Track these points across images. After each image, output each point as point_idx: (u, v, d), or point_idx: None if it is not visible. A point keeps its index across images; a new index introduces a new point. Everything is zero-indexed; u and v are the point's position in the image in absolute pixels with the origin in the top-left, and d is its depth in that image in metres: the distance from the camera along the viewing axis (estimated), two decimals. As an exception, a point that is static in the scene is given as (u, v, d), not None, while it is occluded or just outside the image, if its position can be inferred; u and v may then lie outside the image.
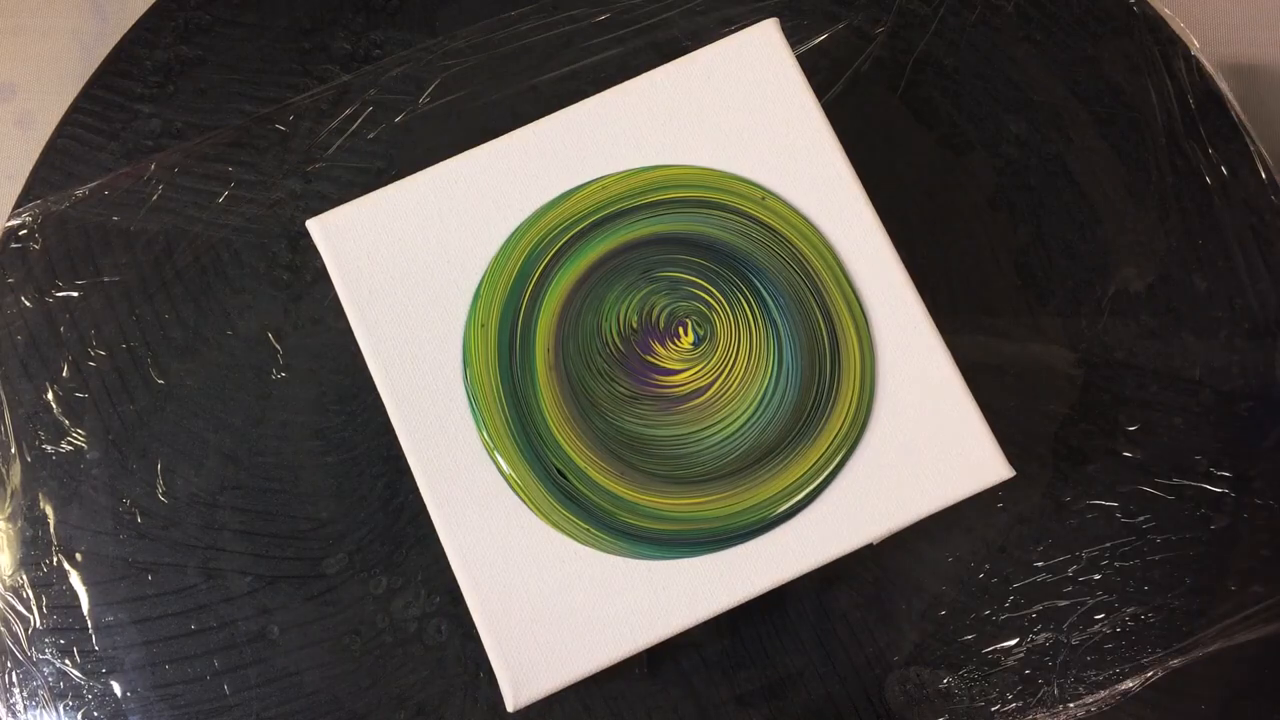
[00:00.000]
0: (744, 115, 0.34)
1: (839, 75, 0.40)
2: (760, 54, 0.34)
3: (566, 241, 0.34)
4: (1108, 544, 0.37)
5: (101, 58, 0.41)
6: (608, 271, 0.34)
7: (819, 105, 0.34)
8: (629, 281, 0.34)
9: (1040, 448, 0.38)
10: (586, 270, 0.34)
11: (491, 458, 0.32)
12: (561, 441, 0.33)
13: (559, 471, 0.32)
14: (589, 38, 0.41)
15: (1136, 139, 0.40)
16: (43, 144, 0.41)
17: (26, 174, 0.40)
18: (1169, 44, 0.40)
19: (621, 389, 0.33)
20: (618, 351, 0.33)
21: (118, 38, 0.42)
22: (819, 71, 0.40)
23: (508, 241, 0.34)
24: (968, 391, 0.32)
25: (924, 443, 0.32)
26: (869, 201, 0.33)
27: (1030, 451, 0.37)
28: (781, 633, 0.36)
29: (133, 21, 0.42)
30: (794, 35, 0.40)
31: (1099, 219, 0.39)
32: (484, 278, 0.33)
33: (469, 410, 0.33)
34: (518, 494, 0.32)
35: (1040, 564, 0.36)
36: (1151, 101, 0.40)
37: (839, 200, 0.34)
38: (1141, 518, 0.37)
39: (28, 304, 0.39)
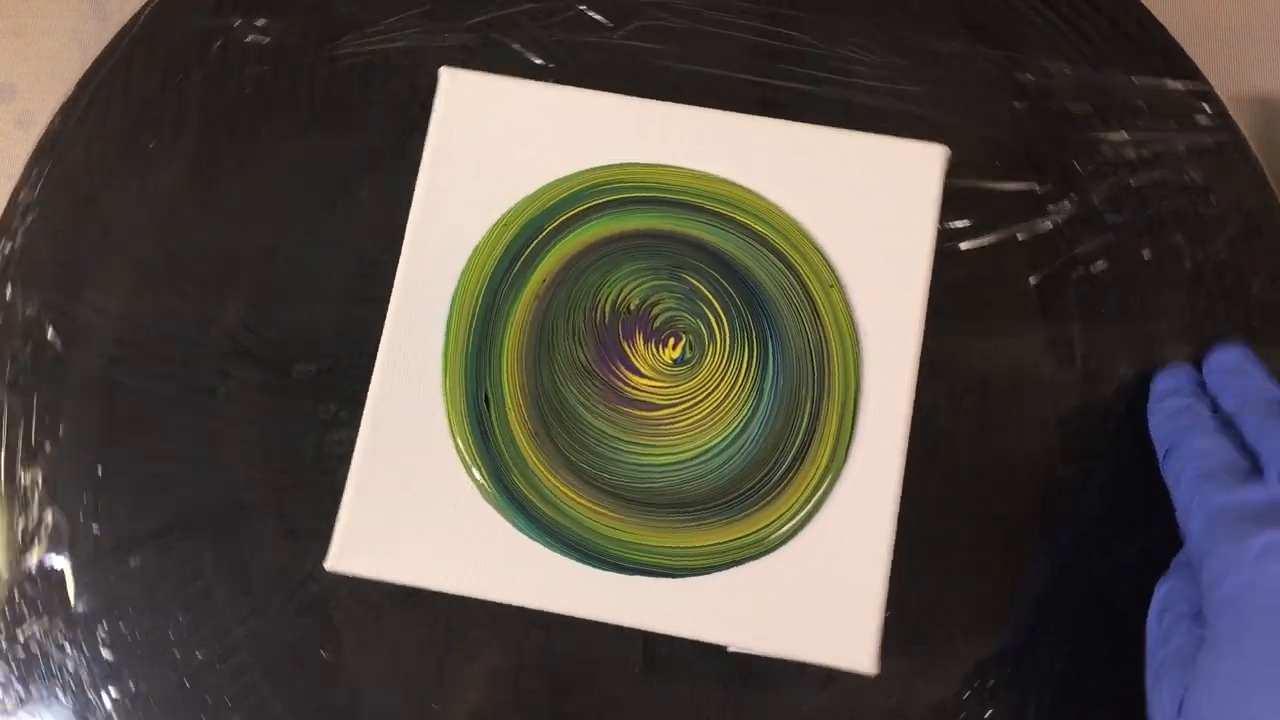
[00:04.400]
0: (859, 206, 0.33)
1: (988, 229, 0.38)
2: (912, 167, 0.33)
3: (619, 200, 0.33)
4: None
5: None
6: (641, 245, 0.33)
7: (933, 241, 0.33)
8: (653, 267, 0.33)
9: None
10: (623, 233, 0.33)
11: (442, 363, 0.32)
12: (505, 369, 0.32)
13: (486, 398, 0.32)
14: (796, 63, 0.39)
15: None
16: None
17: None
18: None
19: (581, 358, 0.33)
20: (600, 320, 0.33)
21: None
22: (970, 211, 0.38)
23: (571, 176, 0.34)
24: (885, 575, 0.32)
25: (821, 591, 0.31)
26: (918, 355, 0.33)
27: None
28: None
29: (133, 22, 0.40)
30: (969, 170, 0.38)
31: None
32: (531, 195, 0.33)
33: (447, 308, 0.33)
34: (446, 412, 0.32)
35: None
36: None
37: (895, 340, 0.33)
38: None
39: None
